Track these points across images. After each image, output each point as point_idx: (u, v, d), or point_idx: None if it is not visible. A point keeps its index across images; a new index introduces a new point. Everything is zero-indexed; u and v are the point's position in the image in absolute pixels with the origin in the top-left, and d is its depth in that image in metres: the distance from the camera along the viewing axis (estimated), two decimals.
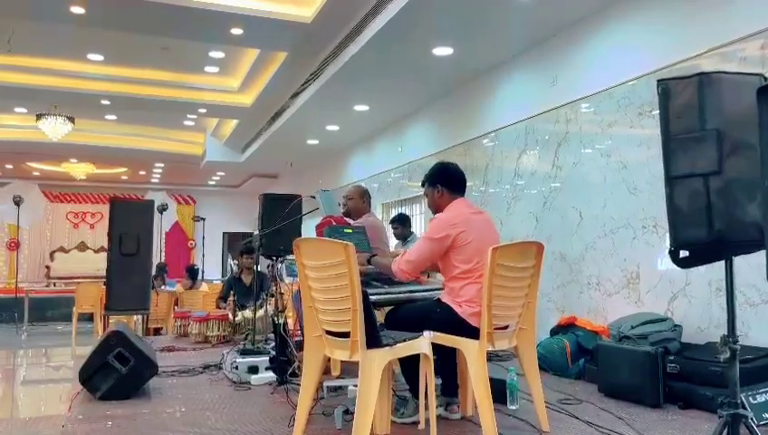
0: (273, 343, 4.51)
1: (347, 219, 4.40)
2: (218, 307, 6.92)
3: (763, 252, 1.81)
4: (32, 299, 10.37)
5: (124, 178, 16.47)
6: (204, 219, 12.07)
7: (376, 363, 2.57)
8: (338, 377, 4.32)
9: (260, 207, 4.76)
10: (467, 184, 3.42)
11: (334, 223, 3.80)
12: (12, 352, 7.66)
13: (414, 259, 3.11)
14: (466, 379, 3.26)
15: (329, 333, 2.71)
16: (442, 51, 5.94)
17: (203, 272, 10.88)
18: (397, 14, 5.06)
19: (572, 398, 3.78)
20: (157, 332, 8.07)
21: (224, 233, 17.72)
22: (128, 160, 14.14)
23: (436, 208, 3.30)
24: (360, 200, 4.62)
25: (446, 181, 3.30)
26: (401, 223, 6.39)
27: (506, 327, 2.99)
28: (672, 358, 3.63)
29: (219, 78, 8.86)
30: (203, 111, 9.89)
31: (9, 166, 14.62)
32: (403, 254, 3.23)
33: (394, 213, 8.20)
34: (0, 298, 11.56)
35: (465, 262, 3.02)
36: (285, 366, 4.21)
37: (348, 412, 3.18)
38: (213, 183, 16.97)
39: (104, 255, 5.97)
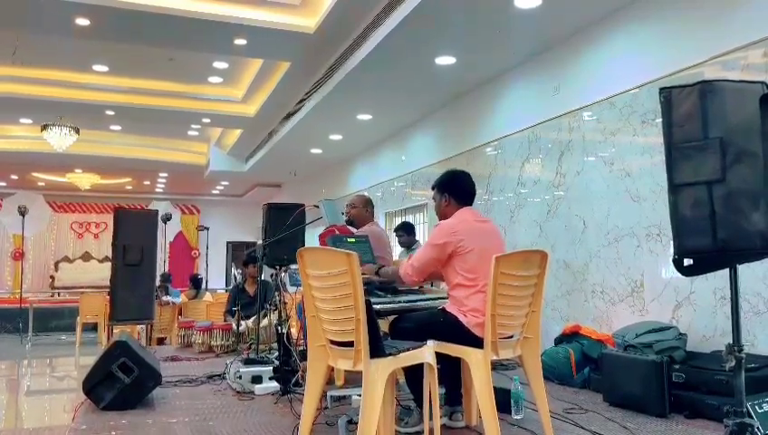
0: (277, 353, 4.51)
1: (350, 228, 4.41)
2: (225, 321, 6.92)
3: (767, 260, 1.81)
4: (36, 309, 10.40)
5: (128, 188, 16.54)
6: (208, 229, 12.06)
7: (379, 373, 2.56)
8: (341, 387, 4.31)
9: (264, 217, 4.76)
10: None
11: (338, 232, 3.82)
12: (16, 362, 7.67)
13: (417, 264, 3.14)
14: (470, 388, 3.25)
15: (332, 342, 2.71)
16: (445, 60, 5.96)
17: (207, 281, 10.88)
18: (399, 23, 5.09)
19: (577, 407, 3.76)
20: (161, 341, 8.06)
21: (227, 242, 17.74)
22: (132, 170, 14.22)
23: (443, 216, 3.31)
24: (363, 209, 4.63)
25: (453, 190, 3.31)
26: (406, 231, 6.46)
27: (511, 336, 2.98)
28: (677, 367, 3.61)
29: (223, 88, 8.91)
30: (207, 120, 9.95)
31: (14, 176, 14.71)
32: (409, 258, 3.24)
33: (397, 222, 8.22)
34: (4, 308, 11.61)
35: (467, 271, 3.01)
36: (289, 376, 4.20)
37: (351, 422, 3.16)
38: (217, 192, 17.02)
39: (108, 264, 5.98)
